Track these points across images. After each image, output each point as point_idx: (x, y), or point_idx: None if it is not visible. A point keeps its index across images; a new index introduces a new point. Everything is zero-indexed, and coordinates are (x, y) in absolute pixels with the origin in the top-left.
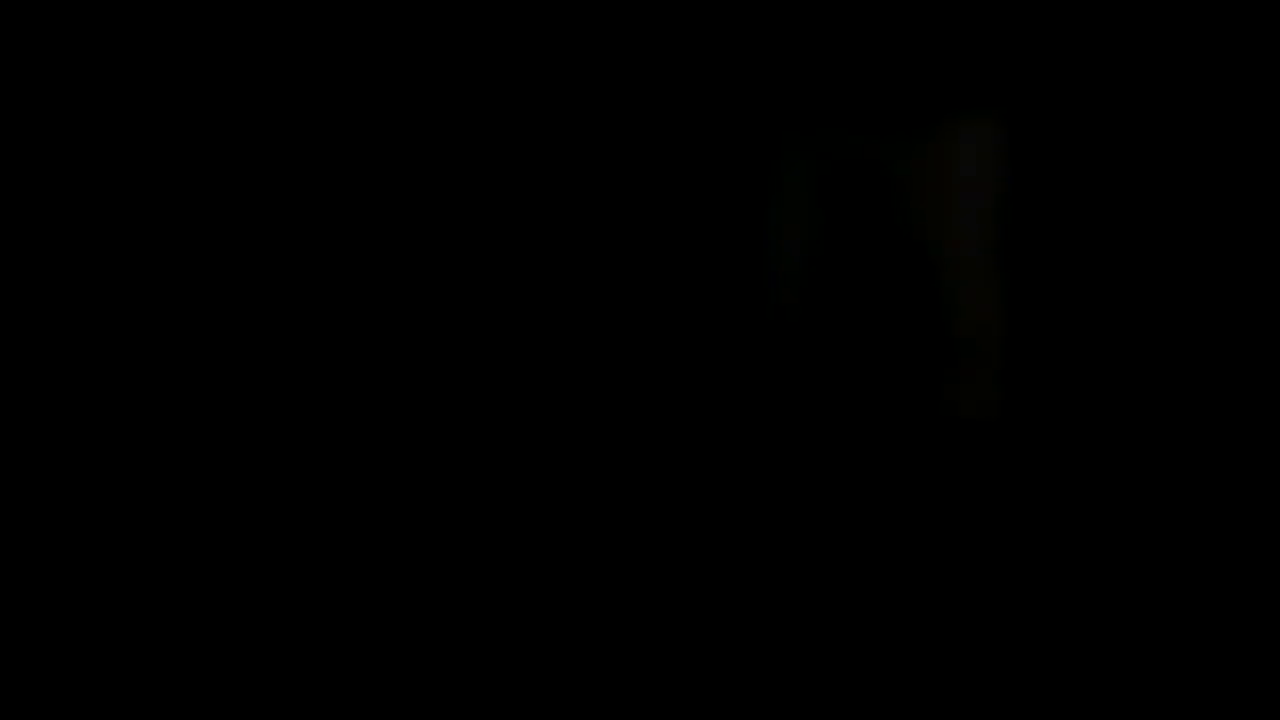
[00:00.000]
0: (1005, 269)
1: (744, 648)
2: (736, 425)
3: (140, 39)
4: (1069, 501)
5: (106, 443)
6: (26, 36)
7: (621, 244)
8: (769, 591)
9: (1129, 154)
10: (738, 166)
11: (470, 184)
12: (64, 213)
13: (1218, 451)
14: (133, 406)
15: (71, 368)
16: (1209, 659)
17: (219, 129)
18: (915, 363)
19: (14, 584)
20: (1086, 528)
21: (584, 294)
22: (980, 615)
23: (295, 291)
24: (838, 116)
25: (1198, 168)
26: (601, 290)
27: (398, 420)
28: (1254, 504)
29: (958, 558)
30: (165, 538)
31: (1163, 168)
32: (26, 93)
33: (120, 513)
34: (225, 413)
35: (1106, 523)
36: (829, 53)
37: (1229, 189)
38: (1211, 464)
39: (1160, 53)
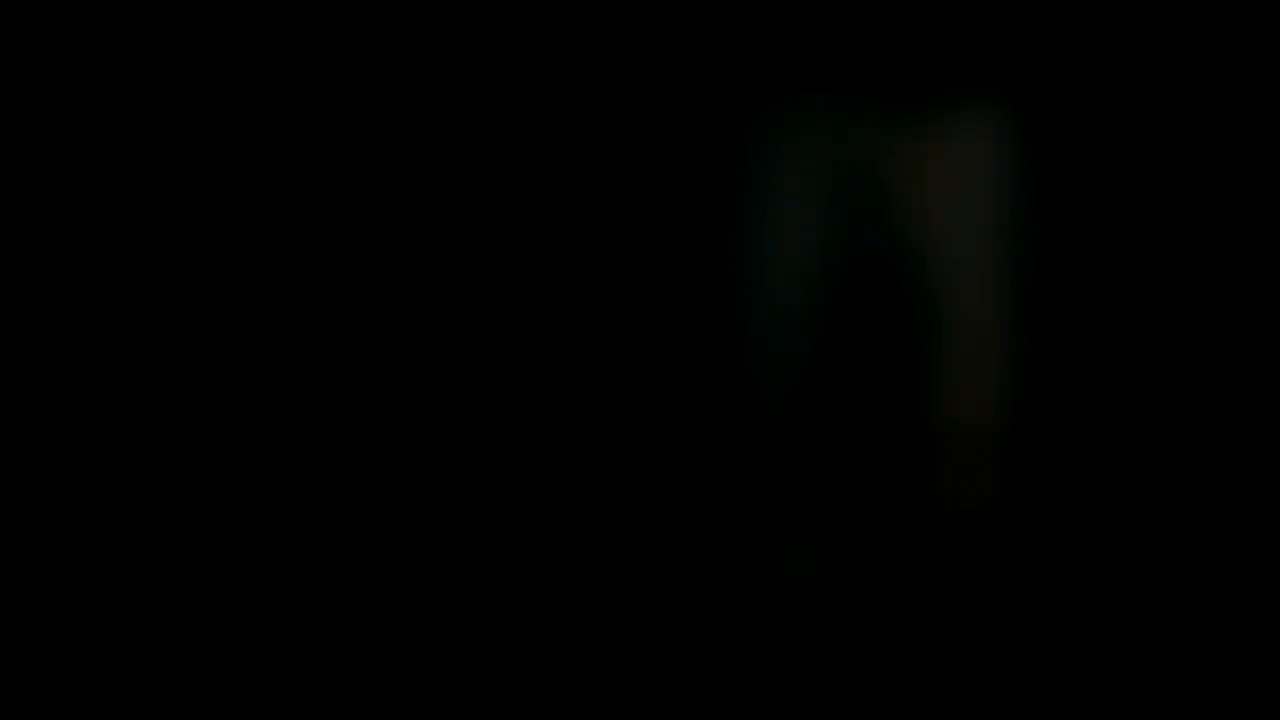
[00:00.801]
0: (1014, 276)
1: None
2: (708, 432)
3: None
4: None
5: (51, 443)
6: (26, 36)
7: (582, 230)
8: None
9: (1164, 152)
10: (713, 149)
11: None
12: (31, 212)
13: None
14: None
15: (39, 367)
16: None
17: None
18: (906, 374)
19: (14, 584)
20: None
21: (538, 287)
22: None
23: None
24: (828, 96)
25: (1246, 162)
26: (558, 283)
27: (319, 431)
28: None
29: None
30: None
31: (1201, 167)
32: (23, 93)
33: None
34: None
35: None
36: (819, 25)
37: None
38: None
39: (1199, 33)
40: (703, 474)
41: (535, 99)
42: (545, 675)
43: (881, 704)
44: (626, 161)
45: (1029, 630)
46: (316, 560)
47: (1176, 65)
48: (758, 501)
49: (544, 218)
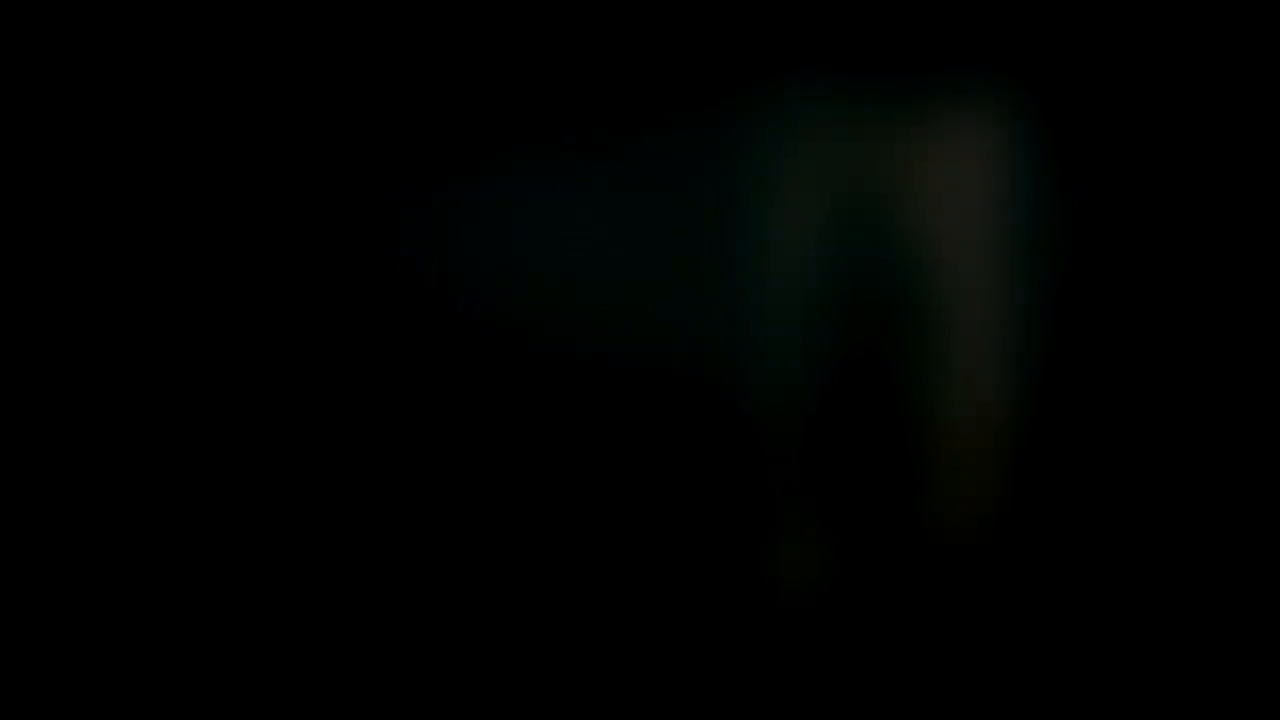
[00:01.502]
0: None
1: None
2: (702, 432)
3: None
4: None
5: None
6: (26, 36)
7: (573, 223)
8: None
9: (1197, 147)
10: (710, 139)
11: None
12: None
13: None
14: None
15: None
16: None
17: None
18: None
19: (14, 584)
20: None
21: (531, 282)
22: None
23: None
24: (821, 76)
25: (1266, 163)
26: (550, 279)
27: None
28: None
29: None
30: None
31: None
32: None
33: None
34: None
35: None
36: (822, 8)
37: None
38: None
39: (1223, 20)
40: (699, 475)
41: (523, 85)
42: (540, 676)
43: (881, 707)
44: (621, 150)
45: (1028, 634)
46: (289, 561)
47: (1194, 51)
48: (756, 503)
49: (534, 209)
